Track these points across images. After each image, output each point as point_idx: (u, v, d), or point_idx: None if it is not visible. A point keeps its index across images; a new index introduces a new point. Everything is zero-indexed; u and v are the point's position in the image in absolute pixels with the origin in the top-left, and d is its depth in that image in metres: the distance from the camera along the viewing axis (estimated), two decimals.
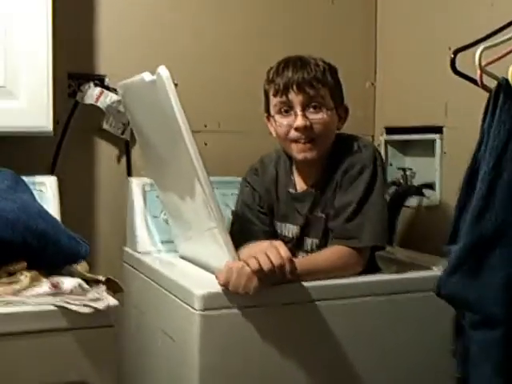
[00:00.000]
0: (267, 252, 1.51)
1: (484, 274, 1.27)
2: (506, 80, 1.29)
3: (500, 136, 1.29)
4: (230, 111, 2.36)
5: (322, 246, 1.78)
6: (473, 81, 1.38)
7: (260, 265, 1.49)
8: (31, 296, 1.36)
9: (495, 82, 1.32)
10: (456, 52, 1.43)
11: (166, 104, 1.54)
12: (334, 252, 1.69)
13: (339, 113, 1.82)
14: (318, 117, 1.74)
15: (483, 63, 1.32)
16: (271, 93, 1.79)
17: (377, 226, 1.70)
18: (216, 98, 2.35)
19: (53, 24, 1.91)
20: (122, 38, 2.23)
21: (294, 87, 1.73)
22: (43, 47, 1.91)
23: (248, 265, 1.49)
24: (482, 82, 1.34)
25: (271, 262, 1.49)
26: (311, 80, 1.73)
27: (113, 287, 1.49)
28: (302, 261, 1.66)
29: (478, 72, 1.33)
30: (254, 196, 1.90)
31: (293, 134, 1.75)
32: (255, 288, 1.49)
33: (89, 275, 1.49)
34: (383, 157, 2.40)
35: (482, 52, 1.32)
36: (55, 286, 1.38)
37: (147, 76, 1.63)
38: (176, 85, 1.54)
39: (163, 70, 1.53)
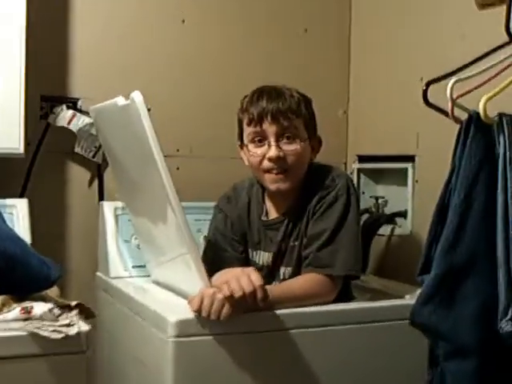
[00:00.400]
0: (239, 279, 1.51)
1: (456, 304, 1.27)
2: (477, 113, 1.31)
3: (471, 167, 1.30)
4: (202, 136, 2.37)
5: (295, 274, 1.77)
6: (444, 112, 1.39)
7: (232, 291, 1.48)
8: (1, 321, 1.34)
9: (466, 114, 1.35)
10: (428, 84, 1.45)
11: (138, 128, 1.54)
12: (306, 280, 1.69)
13: (312, 144, 1.82)
14: (291, 148, 1.74)
15: (455, 95, 1.34)
16: (245, 122, 1.79)
17: (350, 254, 1.70)
18: (189, 122, 2.36)
19: (26, 45, 1.91)
20: (96, 61, 2.23)
21: (269, 117, 1.73)
22: (16, 69, 1.91)
23: (220, 291, 1.49)
24: (453, 114, 1.36)
25: (242, 288, 1.49)
26: (285, 111, 1.73)
27: (85, 312, 1.47)
28: (275, 288, 1.65)
29: (450, 104, 1.35)
30: (226, 223, 1.90)
31: (266, 164, 1.75)
32: (226, 314, 1.48)
33: (60, 300, 1.47)
34: (356, 185, 2.43)
35: (453, 84, 1.34)
36: (26, 311, 1.37)
37: (120, 100, 1.63)
38: (149, 109, 1.54)
39: (137, 95, 1.53)
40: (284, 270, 1.82)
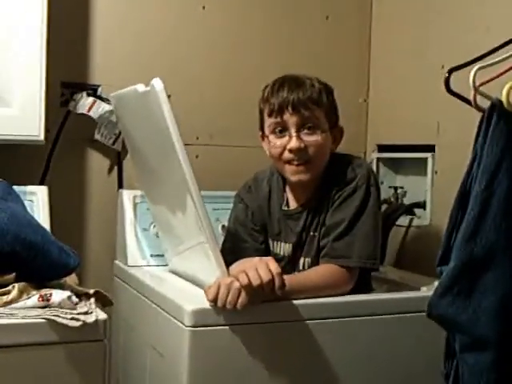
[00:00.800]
0: (257, 267, 1.50)
1: (475, 297, 1.26)
2: (500, 101, 1.29)
3: (493, 156, 1.28)
4: (222, 124, 2.36)
5: (314, 265, 1.76)
6: (466, 101, 1.38)
7: (249, 280, 1.48)
8: (20, 308, 1.36)
9: (488, 102, 1.33)
10: (450, 71, 1.42)
11: (158, 116, 1.54)
12: (323, 270, 1.69)
13: (334, 134, 1.81)
14: (312, 139, 1.73)
15: (477, 83, 1.32)
16: (266, 113, 1.77)
17: (367, 246, 1.68)
18: (209, 110, 2.35)
19: (47, 33, 1.91)
20: (117, 48, 2.23)
21: (289, 108, 1.71)
22: (37, 56, 1.90)
23: (238, 280, 1.49)
24: (475, 102, 1.34)
25: (260, 277, 1.48)
26: (306, 101, 1.72)
27: (102, 300, 1.48)
28: (292, 278, 1.64)
29: (472, 92, 1.33)
30: (247, 213, 1.89)
31: (286, 155, 1.74)
32: (242, 303, 1.48)
33: (78, 288, 1.48)
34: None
35: (476, 72, 1.32)
36: (44, 298, 1.37)
37: (140, 87, 1.63)
38: (169, 96, 1.54)
39: (157, 82, 1.53)
40: (303, 261, 1.81)
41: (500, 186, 1.27)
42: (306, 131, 1.73)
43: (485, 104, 1.34)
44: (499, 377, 1.25)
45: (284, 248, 1.85)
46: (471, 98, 1.33)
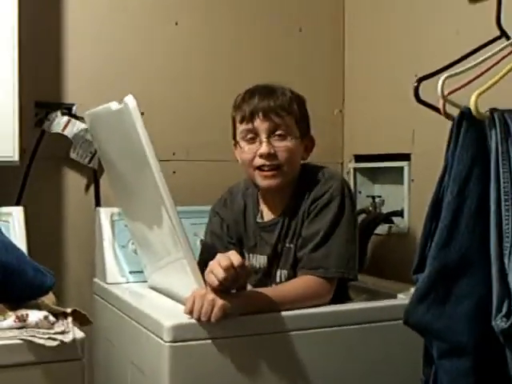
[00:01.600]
0: (219, 262, 1.50)
1: (451, 303, 1.27)
2: (468, 109, 1.30)
3: (463, 163, 1.30)
4: (198, 140, 2.36)
5: (291, 277, 1.77)
6: (436, 109, 1.39)
7: (216, 277, 1.48)
8: None
9: (458, 110, 1.34)
10: (419, 81, 1.45)
11: (132, 133, 1.54)
12: (302, 282, 1.69)
13: (305, 143, 1.82)
14: (282, 144, 1.74)
15: (446, 91, 1.33)
16: (237, 120, 1.79)
17: (344, 256, 1.69)
18: (185, 126, 2.35)
19: (19, 52, 1.90)
20: (90, 67, 2.23)
21: (260, 114, 1.73)
22: (9, 76, 1.89)
23: (208, 284, 1.50)
24: (444, 110, 1.35)
25: (222, 269, 1.48)
26: (277, 108, 1.74)
27: (80, 319, 1.47)
28: (271, 290, 1.65)
29: (441, 101, 1.34)
30: (222, 226, 1.90)
31: (257, 160, 1.75)
32: (216, 316, 1.48)
33: (55, 307, 1.47)
34: (352, 184, 2.43)
35: (444, 81, 1.33)
36: (21, 319, 1.37)
37: (114, 105, 1.63)
38: (142, 114, 1.54)
39: (130, 100, 1.53)
40: (280, 273, 1.81)
41: (471, 194, 1.28)
42: (276, 137, 1.74)
43: (455, 112, 1.35)
44: (477, 381, 1.26)
45: (259, 260, 1.85)
46: (440, 106, 1.35)
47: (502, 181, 1.25)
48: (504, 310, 1.17)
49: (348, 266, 1.69)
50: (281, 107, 1.74)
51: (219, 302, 1.49)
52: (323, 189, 1.74)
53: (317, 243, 1.70)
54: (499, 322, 1.17)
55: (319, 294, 1.67)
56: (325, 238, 1.69)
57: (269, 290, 1.63)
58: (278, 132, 1.74)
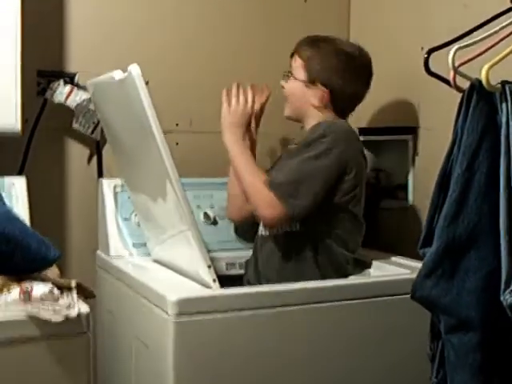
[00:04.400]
0: None
1: (459, 278, 1.27)
2: (479, 81, 1.28)
3: (473, 136, 1.29)
4: (202, 110, 2.33)
5: None
6: (446, 81, 1.37)
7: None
8: (1, 304, 1.34)
9: (468, 82, 1.32)
10: (429, 52, 1.43)
11: (136, 102, 1.53)
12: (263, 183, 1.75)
13: (315, 90, 1.88)
14: (283, 83, 1.94)
15: (456, 64, 1.32)
16: None
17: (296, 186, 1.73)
18: (188, 96, 2.32)
19: (22, 20, 1.87)
20: (94, 35, 2.20)
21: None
22: (11, 44, 1.86)
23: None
24: (455, 82, 1.33)
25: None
26: (293, 50, 1.93)
27: (84, 293, 1.46)
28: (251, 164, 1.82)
29: (452, 73, 1.32)
30: None
31: None
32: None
33: (60, 280, 1.46)
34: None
35: (455, 53, 1.31)
36: (25, 292, 1.36)
37: (117, 74, 1.61)
38: (147, 83, 1.52)
39: (134, 69, 1.52)
40: None
41: (481, 167, 1.28)
42: (285, 76, 1.95)
43: (465, 84, 1.33)
44: (485, 356, 1.26)
45: None
46: (451, 78, 1.33)
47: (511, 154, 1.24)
48: None
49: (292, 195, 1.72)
50: (295, 49, 1.93)
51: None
52: (318, 132, 1.80)
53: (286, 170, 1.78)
54: (508, 297, 1.17)
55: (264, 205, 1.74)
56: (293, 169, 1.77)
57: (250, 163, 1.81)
58: (287, 71, 1.94)
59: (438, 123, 2.01)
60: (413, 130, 2.21)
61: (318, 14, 2.51)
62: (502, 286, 1.19)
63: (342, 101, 1.90)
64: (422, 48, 2.01)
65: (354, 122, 2.48)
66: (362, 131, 2.45)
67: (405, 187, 2.26)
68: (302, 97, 1.90)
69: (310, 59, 1.87)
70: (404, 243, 2.08)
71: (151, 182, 1.71)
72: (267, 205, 1.73)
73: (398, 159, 2.30)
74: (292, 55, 1.93)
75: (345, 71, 1.87)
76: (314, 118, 1.89)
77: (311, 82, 1.87)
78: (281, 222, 1.78)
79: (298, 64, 1.90)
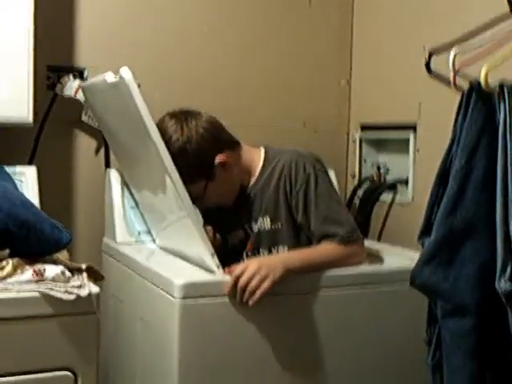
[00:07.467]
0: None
1: (456, 266, 1.32)
2: (478, 82, 1.33)
3: (472, 134, 1.33)
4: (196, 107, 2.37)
5: None
6: (446, 82, 1.42)
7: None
8: (15, 283, 1.39)
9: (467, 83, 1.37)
10: (431, 53, 1.48)
11: (130, 104, 1.57)
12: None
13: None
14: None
15: (457, 65, 1.37)
16: None
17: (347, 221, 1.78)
18: (183, 93, 2.34)
19: (34, 15, 1.91)
20: (103, 31, 2.24)
21: None
22: (24, 39, 1.91)
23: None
24: (455, 83, 1.38)
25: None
26: None
27: (94, 275, 1.51)
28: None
29: (452, 74, 1.37)
30: None
31: None
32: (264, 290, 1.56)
33: (71, 263, 1.51)
34: (358, 153, 2.47)
35: (455, 54, 1.36)
36: (38, 273, 1.41)
37: (109, 77, 1.65)
38: (139, 85, 1.56)
39: (125, 72, 1.56)
40: None
41: (478, 163, 1.32)
42: None
43: (465, 85, 1.38)
44: (478, 340, 1.31)
45: None
46: (451, 80, 1.38)
47: (509, 153, 1.29)
48: (508, 273, 1.22)
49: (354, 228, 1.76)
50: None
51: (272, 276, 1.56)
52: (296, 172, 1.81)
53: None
54: (502, 285, 1.22)
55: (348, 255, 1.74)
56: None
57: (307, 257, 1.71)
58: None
59: (438, 120, 2.04)
60: (414, 127, 2.25)
61: (322, 14, 2.54)
62: (497, 274, 1.24)
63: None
64: (424, 47, 2.05)
65: (357, 119, 2.53)
66: (364, 128, 2.50)
67: (405, 182, 2.32)
68: (214, 188, 1.85)
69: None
70: (403, 236, 2.12)
71: (151, 175, 1.75)
72: (349, 258, 1.75)
73: (399, 155, 2.35)
74: None
75: None
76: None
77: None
78: (363, 252, 1.80)
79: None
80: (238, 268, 1.57)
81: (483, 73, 1.32)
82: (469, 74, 1.38)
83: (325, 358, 1.68)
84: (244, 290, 1.54)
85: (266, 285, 1.54)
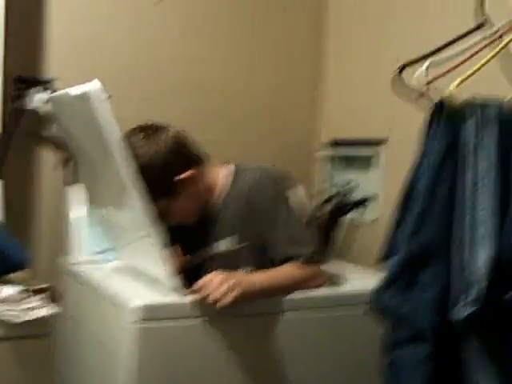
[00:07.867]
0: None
1: (416, 290, 1.29)
2: (441, 103, 1.31)
3: (438, 152, 1.31)
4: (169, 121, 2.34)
5: None
6: (413, 101, 1.40)
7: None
8: None
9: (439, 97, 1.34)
10: (401, 69, 1.46)
11: (94, 119, 1.54)
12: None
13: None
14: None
15: (427, 80, 1.34)
16: None
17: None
18: (156, 106, 2.32)
19: (5, 27, 1.90)
20: (73, 42, 2.22)
21: None
22: None
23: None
24: (426, 95, 1.35)
25: None
26: None
27: (53, 295, 1.47)
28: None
29: (421, 91, 1.34)
30: None
31: None
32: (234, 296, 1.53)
33: (29, 283, 1.47)
34: (326, 170, 2.46)
35: (427, 69, 1.34)
36: None
37: (74, 90, 1.60)
38: (109, 97, 1.52)
39: (92, 85, 1.52)
40: None
41: (443, 184, 1.29)
42: None
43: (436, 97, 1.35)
44: (434, 368, 1.28)
45: None
46: (422, 91, 1.35)
47: (479, 170, 1.26)
48: (461, 301, 1.21)
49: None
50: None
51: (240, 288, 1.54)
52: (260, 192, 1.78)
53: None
54: (456, 312, 1.21)
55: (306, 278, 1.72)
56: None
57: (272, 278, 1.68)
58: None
59: (408, 136, 2.00)
60: (383, 142, 2.23)
61: (295, 24, 2.54)
62: (451, 302, 1.22)
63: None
64: (398, 58, 2.03)
65: (326, 134, 2.51)
66: (333, 143, 2.47)
67: (373, 199, 2.29)
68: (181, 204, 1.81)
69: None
70: (370, 254, 2.09)
71: (113, 191, 1.70)
72: (313, 279, 1.74)
73: (367, 171, 2.33)
74: None
75: None
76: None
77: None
78: (323, 274, 1.79)
79: None
80: (206, 277, 1.55)
81: (451, 89, 1.30)
82: (440, 87, 1.35)
83: (287, 380, 1.65)
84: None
85: (235, 293, 1.52)
